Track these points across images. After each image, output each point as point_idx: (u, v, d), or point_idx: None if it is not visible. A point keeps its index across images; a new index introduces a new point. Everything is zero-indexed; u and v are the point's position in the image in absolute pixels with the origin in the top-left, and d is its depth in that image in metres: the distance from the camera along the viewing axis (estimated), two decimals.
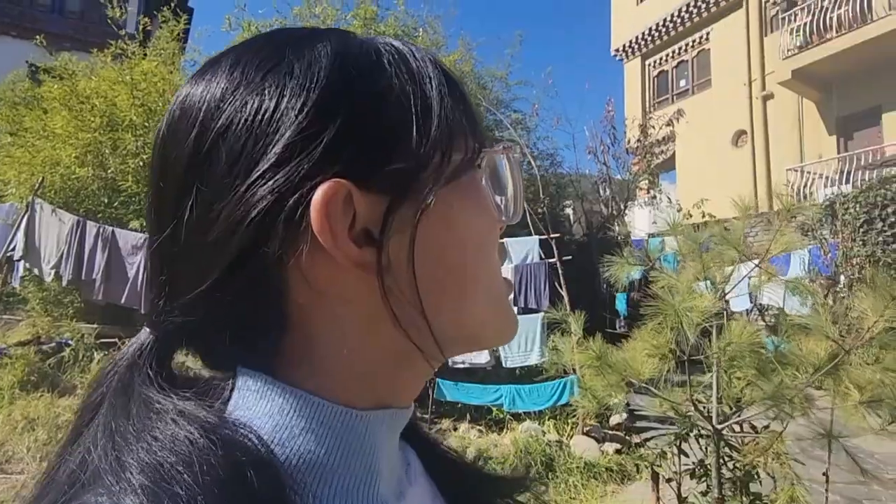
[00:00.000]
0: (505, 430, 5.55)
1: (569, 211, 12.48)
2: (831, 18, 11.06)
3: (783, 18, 12.14)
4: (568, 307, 5.39)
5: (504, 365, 6.01)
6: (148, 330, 0.39)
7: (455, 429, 5.63)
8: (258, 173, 0.34)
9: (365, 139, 0.36)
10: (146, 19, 9.54)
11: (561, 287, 5.84)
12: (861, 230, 8.13)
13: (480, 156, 0.41)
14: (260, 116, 0.35)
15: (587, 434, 5.27)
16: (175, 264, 0.37)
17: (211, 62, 0.39)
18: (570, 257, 6.08)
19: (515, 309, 6.38)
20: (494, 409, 5.76)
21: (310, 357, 0.37)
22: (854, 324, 2.90)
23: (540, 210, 7.17)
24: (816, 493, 3.25)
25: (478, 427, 5.67)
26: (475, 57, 11.78)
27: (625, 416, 5.70)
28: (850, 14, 10.77)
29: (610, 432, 5.41)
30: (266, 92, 0.35)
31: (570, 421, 5.47)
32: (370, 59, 0.38)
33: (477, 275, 0.40)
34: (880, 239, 7.91)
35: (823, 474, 3.12)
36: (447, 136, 0.38)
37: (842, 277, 7.52)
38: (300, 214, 0.34)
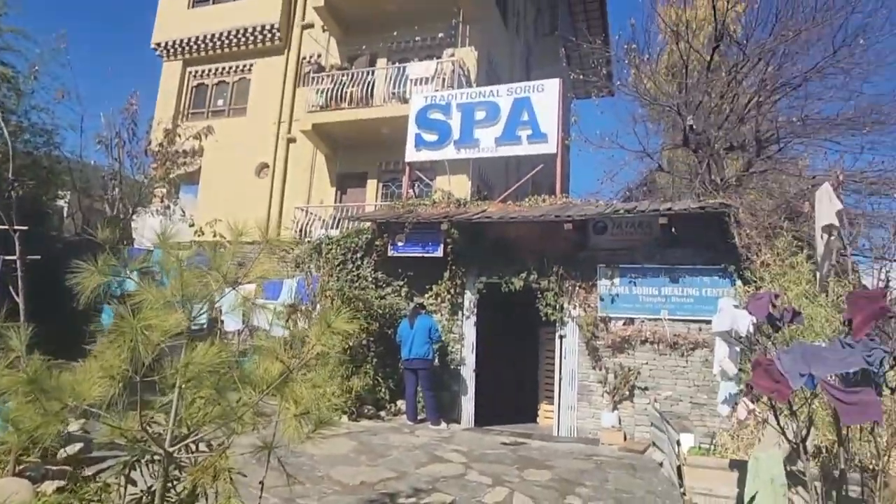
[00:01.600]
0: None
1: (63, 203, 10.44)
2: (346, 92, 13.41)
3: (313, 78, 13.93)
4: (22, 317, 4.37)
5: None
6: None
7: None
8: None
9: None
10: None
11: (17, 293, 4.69)
12: (338, 268, 9.90)
13: None
14: None
15: (20, 474, 4.30)
16: None
17: None
18: (38, 256, 4.99)
19: None
20: None
21: None
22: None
23: (10, 195, 5.72)
24: (256, 499, 3.57)
25: None
26: None
27: (81, 446, 4.98)
28: (359, 94, 13.33)
29: (54, 468, 4.58)
30: None
31: None
32: None
33: None
34: (349, 277, 9.83)
35: (260, 483, 3.47)
36: None
37: (318, 306, 8.89)
38: None
